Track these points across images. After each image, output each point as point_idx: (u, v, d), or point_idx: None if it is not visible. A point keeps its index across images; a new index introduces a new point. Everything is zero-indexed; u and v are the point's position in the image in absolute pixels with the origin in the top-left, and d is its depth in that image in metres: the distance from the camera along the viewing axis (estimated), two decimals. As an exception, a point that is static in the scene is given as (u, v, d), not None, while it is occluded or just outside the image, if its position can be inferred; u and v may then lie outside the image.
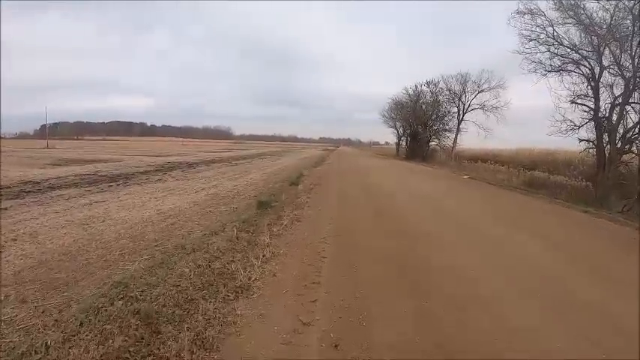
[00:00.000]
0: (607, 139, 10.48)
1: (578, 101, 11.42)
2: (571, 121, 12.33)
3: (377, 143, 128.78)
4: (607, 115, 10.50)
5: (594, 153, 11.13)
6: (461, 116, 28.64)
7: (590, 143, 11.11)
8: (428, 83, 29.72)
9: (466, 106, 28.37)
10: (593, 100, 10.79)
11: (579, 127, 12.12)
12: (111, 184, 11.66)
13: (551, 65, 11.82)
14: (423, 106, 30.41)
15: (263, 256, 3.51)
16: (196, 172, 16.30)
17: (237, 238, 4.18)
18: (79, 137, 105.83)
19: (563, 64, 11.44)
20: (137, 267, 3.92)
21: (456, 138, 28.81)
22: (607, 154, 10.38)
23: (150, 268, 3.77)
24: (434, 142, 31.68)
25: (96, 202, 8.31)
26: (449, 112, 29.45)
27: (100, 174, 14.25)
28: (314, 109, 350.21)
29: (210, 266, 3.34)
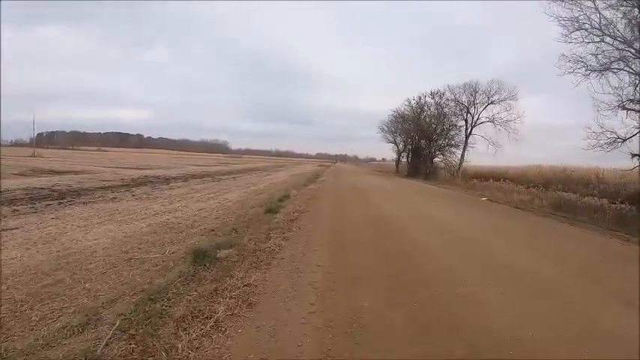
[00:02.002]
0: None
1: (629, 107, 9.22)
2: (612, 132, 10.18)
3: (373, 159, 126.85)
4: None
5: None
6: (469, 130, 26.38)
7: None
8: (432, 94, 27.64)
9: (474, 119, 26.14)
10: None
11: (624, 140, 9.95)
12: (52, 202, 9.43)
13: (592, 65, 9.66)
14: (427, 119, 28.25)
15: None
16: (168, 188, 13.88)
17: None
18: (74, 147, 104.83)
19: (610, 61, 9.26)
20: None
21: (463, 154, 26.51)
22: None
23: None
24: (438, 159, 29.46)
25: (4, 231, 6.07)
26: (455, 125, 27.30)
27: (54, 188, 12.05)
28: (311, 125, 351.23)
29: None
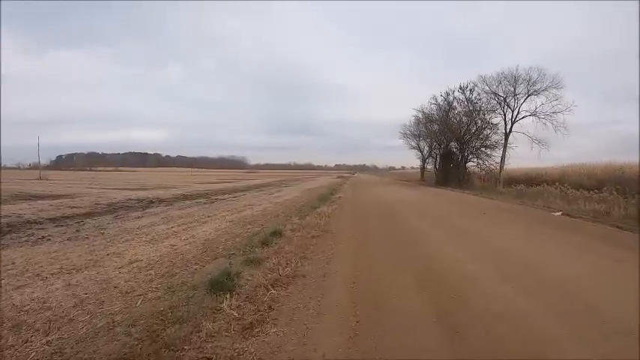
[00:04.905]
0: None
1: None
2: None
3: (393, 168, 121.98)
4: None
5: None
6: (509, 127, 22.19)
7: None
8: (462, 88, 23.72)
9: (514, 114, 21.93)
10: None
11: None
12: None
13: None
14: (458, 117, 24.27)
15: None
16: (136, 217, 10.75)
17: None
18: (92, 168, 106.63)
19: None
20: None
21: (503, 156, 22.35)
22: None
23: None
24: (471, 163, 25.40)
25: None
26: (489, 123, 23.21)
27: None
28: (329, 137, 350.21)
29: None
